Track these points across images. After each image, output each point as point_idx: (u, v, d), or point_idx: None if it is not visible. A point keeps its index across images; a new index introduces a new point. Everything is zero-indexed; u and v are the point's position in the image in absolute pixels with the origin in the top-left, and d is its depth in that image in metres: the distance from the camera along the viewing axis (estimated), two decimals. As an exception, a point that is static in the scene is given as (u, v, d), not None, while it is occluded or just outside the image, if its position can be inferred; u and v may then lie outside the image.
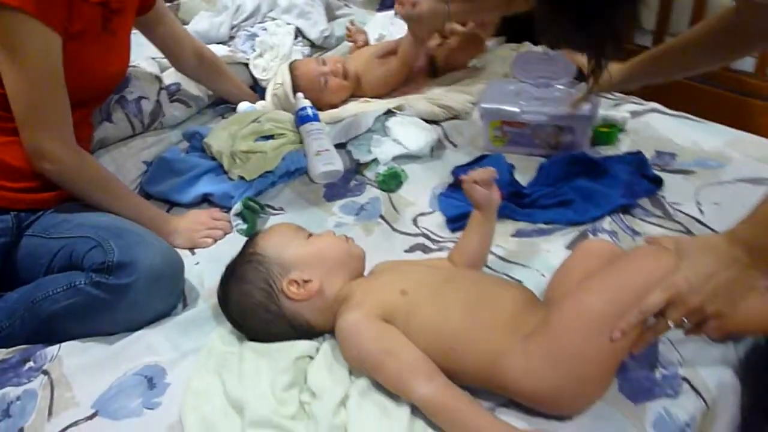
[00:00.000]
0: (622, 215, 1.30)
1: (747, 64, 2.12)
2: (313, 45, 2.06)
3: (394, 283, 1.02)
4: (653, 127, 1.59)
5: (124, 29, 1.37)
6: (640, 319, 0.89)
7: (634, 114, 1.63)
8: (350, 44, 2.04)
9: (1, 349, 1.12)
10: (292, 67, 1.81)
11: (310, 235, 1.10)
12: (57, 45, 1.17)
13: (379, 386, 0.94)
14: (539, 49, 1.88)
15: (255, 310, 1.02)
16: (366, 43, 2.01)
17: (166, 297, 1.13)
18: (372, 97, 1.81)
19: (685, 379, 0.97)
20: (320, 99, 1.77)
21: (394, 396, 0.92)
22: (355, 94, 1.84)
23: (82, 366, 1.05)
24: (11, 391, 1.02)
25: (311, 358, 1.01)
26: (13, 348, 1.12)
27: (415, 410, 0.91)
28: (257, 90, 1.89)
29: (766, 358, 1.01)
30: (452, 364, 0.92)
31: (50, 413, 0.98)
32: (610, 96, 1.74)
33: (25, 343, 1.12)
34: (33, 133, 1.17)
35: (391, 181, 1.45)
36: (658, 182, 1.38)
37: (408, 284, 1.01)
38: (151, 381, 1.02)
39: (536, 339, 0.90)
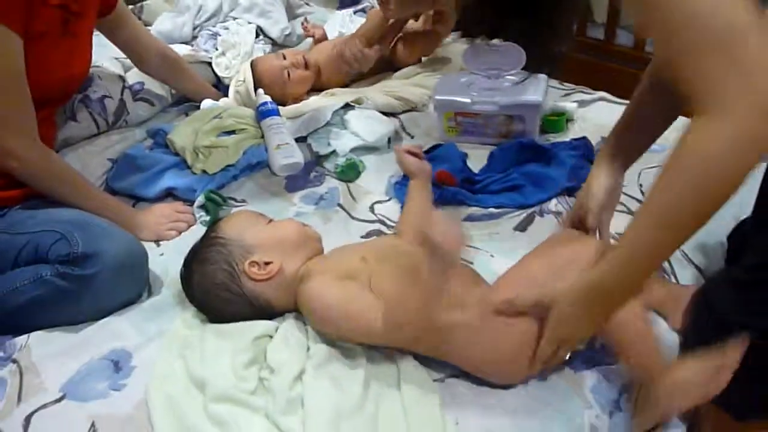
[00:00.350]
0: (567, 197, 1.36)
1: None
2: (274, 43, 2.11)
3: (353, 253, 1.09)
4: (600, 115, 1.66)
5: (85, 31, 1.41)
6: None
7: (583, 103, 1.70)
8: (310, 42, 2.09)
9: (-29, 341, 1.16)
10: (253, 65, 1.85)
11: (270, 220, 1.16)
12: (18, 46, 1.20)
13: (333, 360, 0.99)
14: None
15: (217, 290, 1.07)
16: (324, 38, 2.06)
17: (130, 286, 1.18)
18: (333, 87, 1.87)
19: (621, 346, 1.04)
20: (284, 92, 1.82)
21: (347, 368, 0.98)
22: (316, 86, 1.89)
23: (50, 354, 1.09)
24: (-18, 380, 1.06)
25: (270, 337, 1.06)
26: (-16, 340, 1.16)
27: (368, 380, 0.97)
28: (220, 88, 1.93)
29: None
30: (405, 333, 0.97)
31: (19, 399, 1.02)
32: (560, 86, 1.82)
33: (-6, 334, 1.16)
34: None
35: (350, 172, 1.50)
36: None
37: (366, 251, 1.08)
38: (117, 364, 1.06)
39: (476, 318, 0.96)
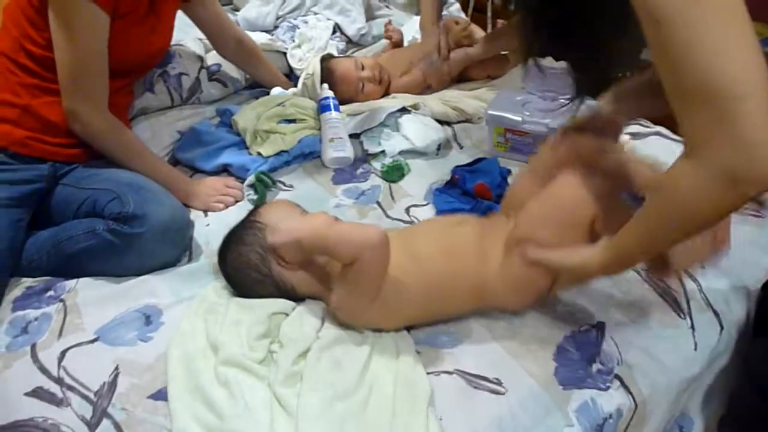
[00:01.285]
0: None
1: None
2: (349, 41, 2.20)
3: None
4: (651, 150, 1.66)
5: (168, 12, 1.53)
6: None
7: (637, 136, 1.71)
8: (384, 43, 2.17)
9: (29, 279, 1.29)
10: (331, 66, 1.92)
11: (304, 212, 1.22)
12: (105, 23, 1.32)
13: (339, 343, 1.07)
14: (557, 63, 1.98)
15: (248, 269, 1.15)
16: (400, 42, 2.13)
17: (171, 249, 1.29)
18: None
19: (618, 377, 1.07)
20: (354, 99, 1.88)
21: (349, 353, 1.05)
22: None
23: (92, 299, 1.21)
24: (31, 313, 1.19)
25: (286, 315, 1.14)
26: (39, 278, 1.29)
27: (366, 366, 1.03)
28: (291, 78, 2.03)
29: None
30: (437, 303, 1.11)
31: (60, 334, 1.14)
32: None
33: (49, 275, 1.29)
34: (71, 98, 1.33)
35: (394, 173, 1.57)
36: (640, 200, 1.46)
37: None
38: (149, 318, 1.17)
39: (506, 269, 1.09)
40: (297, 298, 1.17)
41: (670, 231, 0.85)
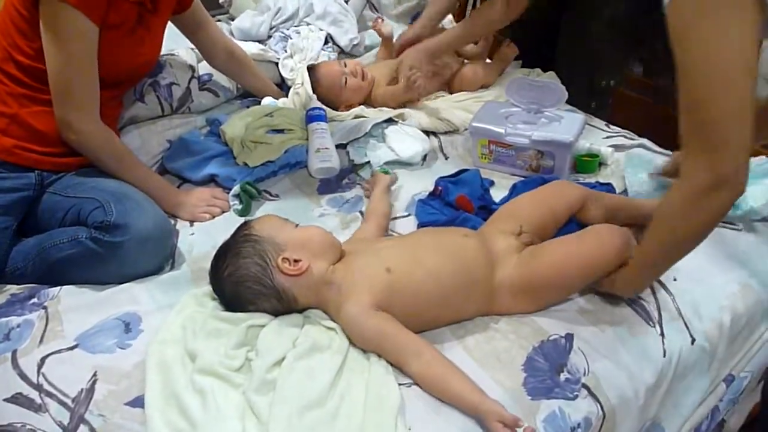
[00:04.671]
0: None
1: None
2: (342, 51, 2.22)
3: (375, 265, 1.17)
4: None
5: (157, 25, 1.56)
6: None
7: (621, 147, 1.72)
8: (375, 53, 2.20)
9: (15, 286, 1.32)
10: (315, 68, 1.96)
11: (297, 225, 1.25)
12: (94, 34, 1.35)
13: (314, 353, 1.08)
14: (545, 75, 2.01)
15: (249, 282, 1.14)
16: (389, 37, 2.13)
17: (153, 258, 1.31)
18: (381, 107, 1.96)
19: (585, 386, 1.08)
20: (339, 97, 1.93)
21: (323, 362, 1.07)
22: (367, 101, 1.98)
23: (74, 306, 1.23)
24: (14, 320, 1.21)
25: (263, 326, 1.16)
26: (25, 286, 1.31)
27: (339, 376, 1.06)
28: (283, 87, 2.06)
29: None
30: (450, 311, 1.17)
31: (41, 341, 1.16)
32: (605, 128, 1.85)
33: (34, 282, 1.32)
34: (63, 107, 1.36)
35: None
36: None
37: (388, 261, 1.17)
38: (128, 326, 1.19)
39: (518, 284, 1.19)
40: (296, 309, 1.18)
41: (667, 247, 1.09)
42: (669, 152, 1.71)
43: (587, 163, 1.65)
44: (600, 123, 1.87)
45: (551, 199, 1.35)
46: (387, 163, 1.66)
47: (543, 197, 1.36)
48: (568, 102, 1.77)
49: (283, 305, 1.17)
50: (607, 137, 1.80)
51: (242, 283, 1.16)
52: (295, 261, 1.15)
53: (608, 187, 1.52)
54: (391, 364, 1.09)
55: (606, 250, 1.17)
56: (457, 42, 1.97)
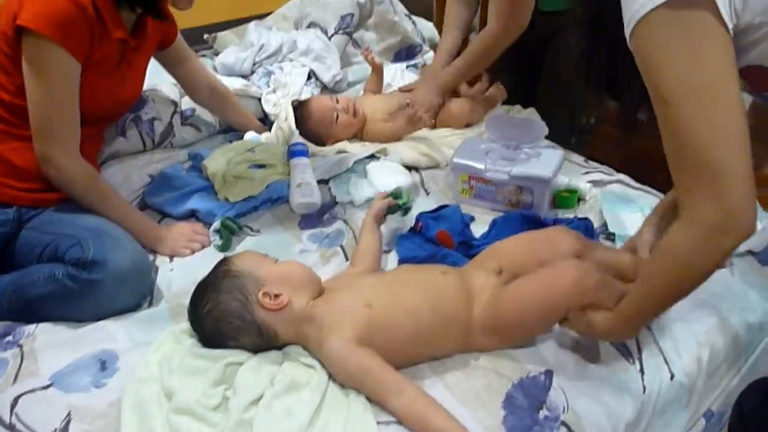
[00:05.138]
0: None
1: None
2: (324, 87, 2.24)
3: (355, 300, 1.17)
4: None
5: (141, 61, 1.57)
6: None
7: (599, 183, 1.74)
8: (360, 89, 2.22)
9: (-11, 324, 1.31)
10: (306, 101, 1.97)
11: (276, 260, 1.25)
12: (76, 70, 1.36)
13: (291, 391, 1.07)
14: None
15: (230, 317, 1.14)
16: (380, 69, 2.16)
17: (131, 295, 1.30)
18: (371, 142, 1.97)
19: (564, 423, 1.08)
20: (328, 132, 1.94)
21: (301, 400, 1.06)
22: (357, 135, 1.99)
23: (50, 344, 1.22)
24: (-12, 359, 1.20)
25: (242, 363, 1.15)
26: (0, 323, 1.30)
27: (317, 414, 1.05)
28: (266, 122, 2.07)
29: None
30: (428, 347, 1.17)
31: (15, 380, 1.15)
32: (584, 163, 1.87)
33: (10, 319, 1.30)
34: (44, 143, 1.36)
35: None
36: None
37: (369, 297, 1.16)
38: (104, 364, 1.18)
39: (488, 323, 1.18)
40: (277, 345, 1.17)
41: (670, 289, 1.01)
42: (647, 188, 1.74)
43: (566, 198, 1.66)
44: (579, 159, 1.89)
45: (542, 248, 1.28)
46: (369, 200, 1.65)
47: (533, 246, 1.30)
48: (548, 138, 1.79)
49: (263, 340, 1.16)
50: (586, 173, 1.81)
51: (223, 318, 1.15)
52: (276, 295, 1.15)
53: (586, 222, 1.53)
54: (371, 401, 1.08)
55: (560, 283, 1.15)
56: (465, 73, 1.99)
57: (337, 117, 1.93)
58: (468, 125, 2.04)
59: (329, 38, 2.33)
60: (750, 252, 1.43)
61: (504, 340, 1.19)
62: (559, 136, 1.91)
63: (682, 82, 0.86)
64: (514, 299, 1.17)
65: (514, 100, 2.14)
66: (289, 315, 1.15)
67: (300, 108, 1.96)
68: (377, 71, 2.15)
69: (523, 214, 1.55)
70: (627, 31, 0.89)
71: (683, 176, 0.91)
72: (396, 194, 1.51)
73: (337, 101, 1.97)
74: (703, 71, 0.86)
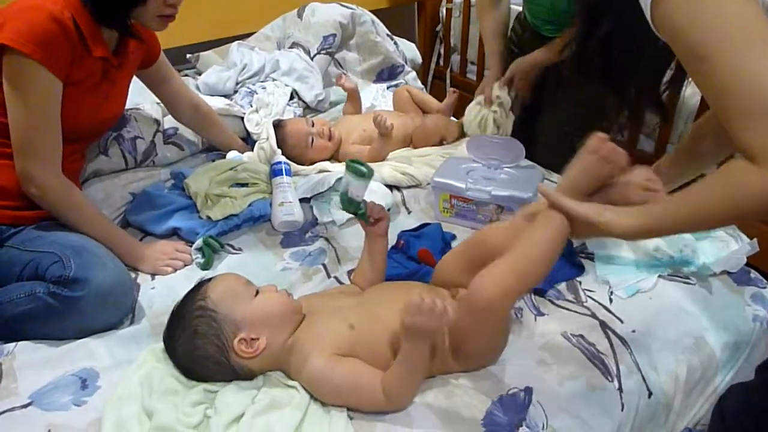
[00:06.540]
0: (532, 295, 1.40)
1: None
2: (307, 107, 2.26)
3: (337, 322, 1.17)
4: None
5: (123, 80, 1.58)
6: None
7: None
8: (341, 109, 2.24)
9: (-33, 342, 1.29)
10: (282, 124, 2.00)
11: (257, 291, 1.19)
12: (57, 89, 1.36)
13: (272, 409, 1.08)
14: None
15: (205, 362, 1.13)
16: (354, 92, 2.20)
17: (113, 313, 1.30)
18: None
19: (545, 440, 1.09)
20: (303, 155, 1.96)
21: (282, 419, 1.06)
22: (333, 157, 2.02)
23: (30, 362, 1.21)
24: (-34, 378, 1.19)
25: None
26: (-21, 342, 1.29)
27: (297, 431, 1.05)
28: (248, 141, 2.08)
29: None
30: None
31: (-7, 399, 1.14)
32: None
33: (-10, 338, 1.29)
34: (25, 161, 1.36)
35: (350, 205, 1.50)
36: (581, 268, 1.51)
37: (350, 318, 1.17)
38: (85, 382, 1.17)
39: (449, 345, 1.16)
40: (254, 377, 1.16)
41: (713, 214, 0.95)
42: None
43: (546, 217, 1.69)
44: (558, 177, 1.92)
45: (476, 251, 1.25)
46: (350, 219, 1.66)
47: (463, 257, 1.28)
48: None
49: (239, 378, 1.15)
50: (565, 193, 1.84)
51: (197, 362, 1.14)
52: (253, 339, 1.13)
53: (568, 245, 1.55)
54: (352, 418, 1.08)
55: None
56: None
57: (312, 141, 1.96)
58: (444, 140, 2.08)
59: (312, 58, 2.35)
60: (726, 272, 1.45)
61: (465, 364, 1.18)
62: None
63: (714, 30, 0.88)
64: (460, 330, 1.15)
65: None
66: (268, 354, 1.14)
67: (276, 131, 1.97)
68: (352, 95, 2.19)
69: (503, 233, 1.56)
70: (647, 12, 0.93)
71: (743, 126, 0.88)
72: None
73: (313, 124, 1.99)
74: (728, 15, 0.87)
